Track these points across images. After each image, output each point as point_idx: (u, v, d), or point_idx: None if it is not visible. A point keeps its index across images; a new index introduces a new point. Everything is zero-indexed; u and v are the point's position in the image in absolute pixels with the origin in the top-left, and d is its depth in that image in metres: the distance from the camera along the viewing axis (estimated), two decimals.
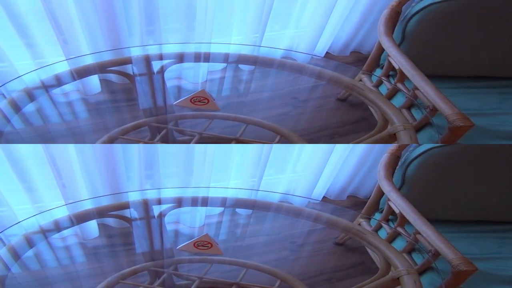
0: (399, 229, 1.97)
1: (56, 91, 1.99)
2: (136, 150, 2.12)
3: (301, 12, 2.30)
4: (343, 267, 2.18)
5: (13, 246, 1.81)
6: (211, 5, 2.06)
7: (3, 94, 1.75)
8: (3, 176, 2.06)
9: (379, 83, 2.03)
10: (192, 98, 1.84)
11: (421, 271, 1.82)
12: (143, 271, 1.99)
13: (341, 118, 2.14)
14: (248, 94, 2.14)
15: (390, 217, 2.07)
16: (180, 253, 2.03)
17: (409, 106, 1.88)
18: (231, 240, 2.27)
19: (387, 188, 2.00)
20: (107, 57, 1.89)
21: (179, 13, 2.10)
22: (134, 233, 2.06)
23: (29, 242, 1.86)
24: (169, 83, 2.05)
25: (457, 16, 1.92)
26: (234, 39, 2.26)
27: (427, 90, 1.76)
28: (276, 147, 2.30)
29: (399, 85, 1.92)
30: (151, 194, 2.08)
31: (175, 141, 1.96)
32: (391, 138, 1.79)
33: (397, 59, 1.90)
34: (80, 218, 1.99)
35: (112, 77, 2.15)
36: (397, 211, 1.96)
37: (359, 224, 2.13)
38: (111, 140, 1.84)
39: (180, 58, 1.95)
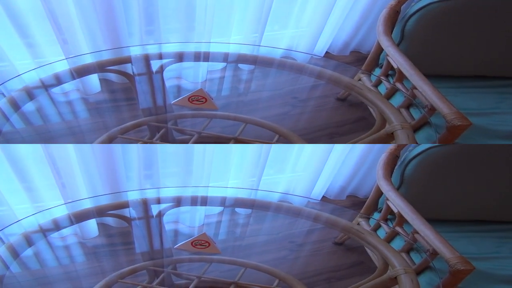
0: (398, 229, 1.97)
1: (56, 91, 2.00)
2: (135, 150, 2.12)
3: (300, 11, 2.30)
4: (342, 266, 2.18)
5: (12, 245, 1.81)
6: (211, 4, 2.06)
7: (2, 93, 1.76)
8: (2, 175, 2.06)
9: (378, 83, 2.03)
10: (190, 97, 1.85)
11: (419, 271, 1.82)
12: (142, 270, 1.99)
13: (340, 117, 2.14)
14: (247, 94, 2.14)
15: (389, 216, 2.07)
16: (179, 253, 2.03)
17: (408, 106, 1.88)
18: (231, 239, 2.27)
19: (385, 188, 2.00)
20: (106, 56, 1.89)
21: (179, 13, 2.10)
22: (133, 232, 2.07)
23: (28, 241, 1.87)
24: (169, 83, 2.06)
25: (456, 16, 1.92)
26: (234, 39, 2.26)
27: (425, 90, 1.76)
28: (276, 147, 2.30)
29: (398, 85, 1.92)
30: (150, 194, 2.08)
31: (174, 141, 1.97)
32: (389, 137, 1.79)
33: (396, 58, 1.90)
34: (79, 217, 2.00)
35: (112, 76, 2.16)
36: (395, 210, 1.96)
37: (358, 224, 2.13)
38: (111, 139, 1.85)
39: (180, 57, 1.95)
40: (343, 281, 2.12)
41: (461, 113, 1.67)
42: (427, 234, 1.80)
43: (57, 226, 1.95)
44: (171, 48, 1.97)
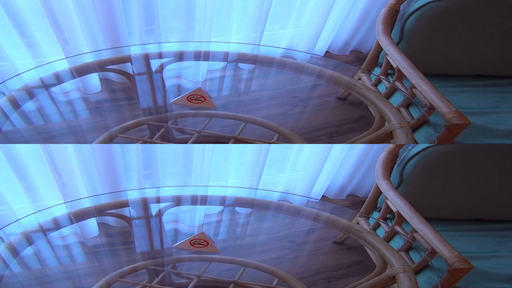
0: (397, 228, 1.98)
1: (56, 90, 2.01)
2: (134, 150, 2.13)
3: (300, 11, 2.30)
4: (342, 266, 2.18)
5: (12, 243, 1.82)
6: (210, 4, 2.07)
7: (3, 92, 1.77)
8: (2, 175, 2.07)
9: (378, 82, 2.03)
10: (189, 96, 1.85)
11: (418, 270, 1.82)
12: (142, 269, 2.00)
13: (341, 117, 2.14)
14: (248, 93, 2.14)
15: (388, 215, 2.08)
16: (179, 252, 2.04)
17: (407, 105, 1.88)
18: (231, 239, 2.27)
19: (384, 187, 2.00)
20: (106, 55, 1.90)
21: (179, 13, 2.10)
22: (133, 231, 2.07)
23: (28, 240, 1.87)
24: (169, 82, 2.06)
25: (455, 15, 1.93)
26: (233, 39, 2.27)
27: (424, 89, 1.76)
28: (275, 146, 2.30)
29: (397, 84, 1.92)
30: (149, 193, 2.09)
31: (174, 140, 1.97)
32: (388, 136, 1.80)
33: (395, 57, 1.90)
34: (79, 216, 2.00)
35: (112, 76, 2.16)
36: (394, 209, 1.96)
37: (358, 223, 2.13)
38: (111, 138, 1.85)
39: (180, 56, 1.95)
40: (343, 280, 2.12)
41: (460, 112, 1.67)
42: (426, 233, 1.80)
43: (57, 225, 1.95)
44: (171, 47, 1.97)
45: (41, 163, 2.07)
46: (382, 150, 2.11)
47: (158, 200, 2.04)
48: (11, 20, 1.92)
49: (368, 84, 2.03)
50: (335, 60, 2.27)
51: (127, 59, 1.90)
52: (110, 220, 2.34)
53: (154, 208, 2.03)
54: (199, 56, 1.99)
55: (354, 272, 2.14)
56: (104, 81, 2.15)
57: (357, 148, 2.38)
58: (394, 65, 1.92)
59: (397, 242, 1.97)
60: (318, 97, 2.17)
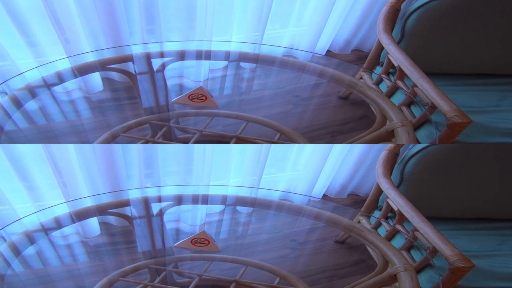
0: (398, 227, 1.98)
1: (58, 89, 2.01)
2: (136, 149, 2.13)
3: (301, 10, 2.30)
4: (344, 265, 2.18)
5: (13, 243, 1.82)
6: (211, 3, 2.07)
7: (5, 92, 1.77)
8: (4, 175, 2.07)
9: (379, 81, 2.03)
10: (190, 95, 1.85)
11: (420, 268, 1.82)
12: (143, 268, 2.00)
13: (343, 116, 2.14)
14: (249, 92, 2.15)
15: (389, 214, 2.08)
16: (180, 251, 2.04)
17: (409, 104, 1.88)
18: (232, 238, 2.27)
19: (385, 186, 2.00)
20: (108, 54, 1.90)
21: (180, 12, 2.11)
22: (135, 231, 2.07)
23: (30, 239, 1.88)
24: (171, 82, 2.06)
25: (457, 13, 1.93)
26: (235, 38, 2.27)
27: (426, 87, 1.76)
28: (276, 146, 2.31)
29: (399, 83, 1.93)
30: (151, 192, 2.09)
31: (176, 139, 1.97)
32: (390, 135, 1.80)
33: (396, 56, 1.90)
34: (80, 216, 2.00)
35: (114, 75, 2.17)
36: (395, 208, 1.96)
37: (359, 222, 2.13)
38: (113, 138, 1.86)
39: (181, 55, 1.96)
40: (344, 279, 2.12)
41: (462, 110, 1.67)
42: (427, 232, 1.80)
43: (58, 224, 1.96)
44: (172, 46, 1.97)
45: (43, 162, 2.08)
46: (382, 149, 2.11)
47: (159, 200, 2.04)
48: (13, 20, 1.93)
49: (369, 83, 2.03)
50: (336, 59, 2.27)
51: (129, 59, 1.90)
52: (112, 219, 2.34)
53: (155, 208, 2.03)
54: (200, 55, 2.00)
55: (356, 271, 2.14)
56: (106, 80, 2.16)
57: (358, 147, 2.39)
58: (396, 64, 1.92)
59: (398, 241, 1.97)
60: (320, 96, 2.17)
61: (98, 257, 2.19)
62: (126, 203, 2.01)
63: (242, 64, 2.19)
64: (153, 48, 1.94)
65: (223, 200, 2.18)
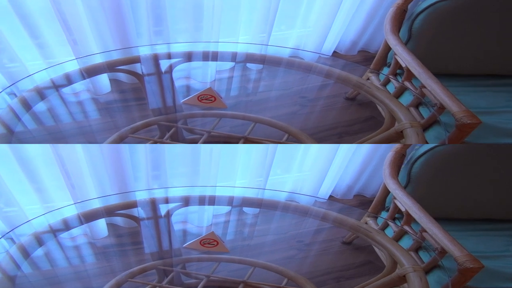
0: (406, 228, 1.98)
1: (66, 91, 2.01)
2: (143, 151, 2.13)
3: (307, 11, 2.31)
4: (351, 266, 2.18)
5: (23, 245, 1.82)
6: (218, 5, 2.07)
7: (14, 93, 1.77)
8: (13, 176, 2.08)
9: (387, 82, 2.03)
10: (199, 96, 1.86)
11: (428, 269, 1.82)
12: (151, 269, 2.00)
13: (349, 117, 2.15)
14: (256, 93, 2.15)
15: (396, 215, 2.08)
16: (188, 252, 2.04)
17: (417, 105, 1.88)
18: (239, 239, 2.27)
19: (392, 187, 2.00)
20: (116, 56, 1.91)
21: (187, 13, 2.11)
22: (142, 232, 2.07)
23: (39, 241, 1.88)
24: (178, 83, 2.07)
25: (464, 14, 1.93)
26: (241, 39, 2.27)
27: (434, 88, 1.76)
28: (282, 147, 2.31)
29: (407, 83, 1.93)
30: (158, 193, 2.09)
31: (184, 140, 1.97)
32: (398, 136, 1.80)
33: (404, 57, 1.90)
34: (88, 217, 2.01)
35: (122, 76, 2.17)
36: (403, 209, 1.96)
37: (366, 223, 2.13)
38: (121, 139, 1.86)
39: (188, 57, 1.96)
40: (351, 280, 2.12)
41: (471, 111, 1.67)
42: (436, 233, 1.80)
43: (66, 226, 1.96)
44: (179, 48, 1.97)
45: (51, 164, 2.08)
46: (388, 150, 2.11)
47: (166, 201, 2.05)
48: (22, 22, 1.93)
49: (377, 84, 2.03)
50: (343, 60, 2.27)
51: (137, 60, 1.90)
52: (119, 220, 2.34)
53: (163, 209, 2.03)
54: (207, 56, 2.00)
55: (363, 272, 2.14)
56: (113, 81, 2.16)
57: (364, 148, 2.39)
58: (403, 65, 1.92)
59: (406, 242, 1.97)
60: (327, 97, 2.17)
61: (106, 258, 2.19)
62: (133, 205, 2.01)
63: (248, 65, 2.20)
64: (161, 49, 1.94)
65: (230, 201, 2.18)
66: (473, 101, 1.91)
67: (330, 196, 2.57)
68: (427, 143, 1.79)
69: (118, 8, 1.96)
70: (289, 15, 2.32)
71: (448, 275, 1.75)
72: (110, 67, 1.90)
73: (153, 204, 2.01)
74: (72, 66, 1.85)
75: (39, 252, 1.93)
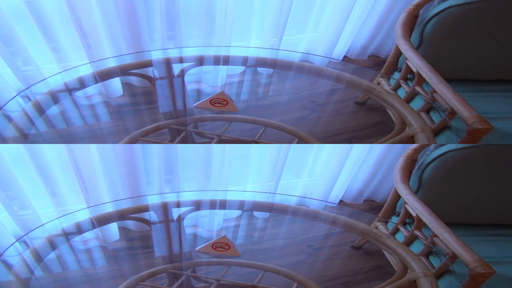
0: (416, 232, 1.97)
1: (79, 94, 2.03)
2: (156, 155, 2.14)
3: (318, 16, 2.31)
4: (361, 270, 2.17)
5: (36, 249, 1.84)
6: (230, 10, 2.08)
7: (28, 97, 1.79)
8: (29, 180, 2.10)
9: (398, 86, 2.03)
10: (212, 99, 1.87)
11: (439, 274, 1.82)
12: (161, 273, 2.01)
13: (359, 121, 2.14)
14: (266, 97, 2.15)
15: (407, 220, 2.07)
16: (198, 256, 2.04)
17: (428, 109, 1.88)
18: (249, 243, 2.28)
19: (403, 191, 2.00)
20: (128, 60, 1.92)
21: (199, 18, 2.12)
22: (153, 236, 2.08)
23: (52, 245, 1.89)
24: (189, 87, 2.08)
25: (475, 19, 1.92)
26: (253, 44, 2.28)
27: (445, 93, 1.76)
28: (293, 152, 2.31)
29: (417, 88, 1.93)
30: (170, 197, 2.10)
31: (194, 144, 1.98)
32: (409, 140, 1.80)
33: (415, 62, 1.90)
34: (101, 221, 2.02)
35: (134, 80, 2.18)
36: (414, 214, 1.96)
37: (376, 228, 2.13)
38: (132, 142, 1.87)
39: (200, 61, 1.97)
40: (361, 285, 2.11)
41: (482, 116, 1.67)
42: (446, 238, 1.79)
43: (79, 229, 1.97)
44: (191, 52, 1.99)
45: (66, 169, 2.09)
46: (398, 155, 2.10)
47: (178, 205, 2.05)
48: (38, 25, 1.95)
49: (387, 89, 2.03)
50: (353, 64, 2.28)
51: (149, 64, 1.92)
52: (131, 224, 2.35)
53: (174, 213, 2.04)
54: (218, 60, 2.01)
55: (373, 277, 2.13)
56: (125, 85, 2.17)
57: (374, 153, 2.39)
58: (414, 70, 1.92)
59: (416, 247, 1.97)
60: (337, 101, 2.18)
61: (117, 261, 2.20)
62: (145, 209, 2.02)
63: (259, 69, 2.21)
64: (173, 53, 1.95)
65: (241, 205, 2.18)
66: (483, 107, 1.90)
67: (340, 201, 2.57)
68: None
69: (133, 13, 1.98)
70: (300, 20, 2.33)
71: (459, 280, 1.74)
72: (123, 71, 1.91)
73: (165, 208, 2.02)
74: (86, 70, 1.86)
75: (52, 255, 1.95)
